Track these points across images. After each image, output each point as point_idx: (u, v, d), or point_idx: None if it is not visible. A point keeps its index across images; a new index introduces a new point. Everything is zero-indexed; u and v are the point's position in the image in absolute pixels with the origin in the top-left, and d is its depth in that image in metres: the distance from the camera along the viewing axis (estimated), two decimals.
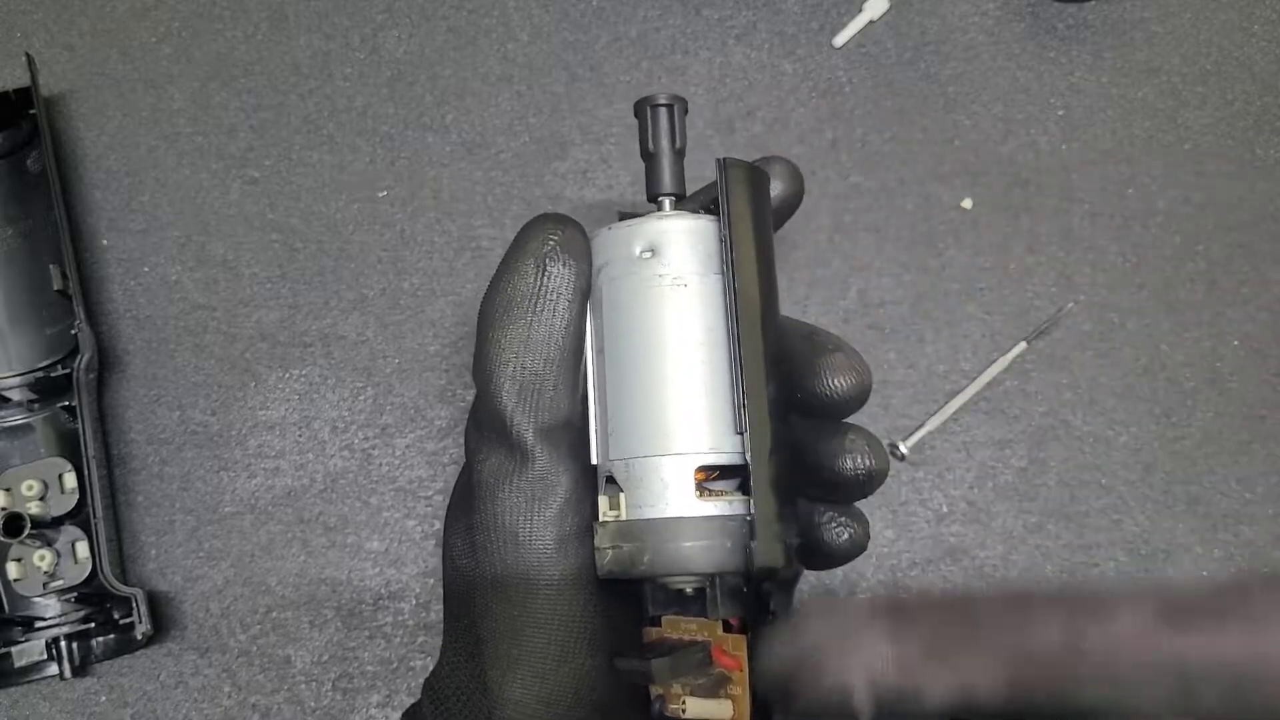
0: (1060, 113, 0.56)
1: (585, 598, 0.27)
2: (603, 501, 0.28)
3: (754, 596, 0.28)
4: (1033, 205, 0.54)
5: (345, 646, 0.48)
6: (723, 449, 0.27)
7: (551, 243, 0.28)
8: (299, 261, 0.54)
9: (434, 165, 0.55)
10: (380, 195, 0.55)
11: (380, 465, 0.51)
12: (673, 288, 0.27)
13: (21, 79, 0.52)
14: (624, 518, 0.27)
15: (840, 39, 0.57)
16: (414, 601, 0.49)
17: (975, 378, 0.51)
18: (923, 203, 0.54)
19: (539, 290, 0.27)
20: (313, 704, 0.47)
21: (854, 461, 0.29)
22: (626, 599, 0.29)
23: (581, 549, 0.27)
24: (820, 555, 0.30)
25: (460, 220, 0.54)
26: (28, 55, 0.53)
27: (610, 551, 0.27)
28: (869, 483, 0.29)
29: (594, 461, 0.28)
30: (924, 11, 0.57)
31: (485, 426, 0.28)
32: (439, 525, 0.50)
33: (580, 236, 0.28)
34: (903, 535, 0.49)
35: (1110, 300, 0.53)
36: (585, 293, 0.28)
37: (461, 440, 0.50)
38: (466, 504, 0.29)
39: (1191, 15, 0.58)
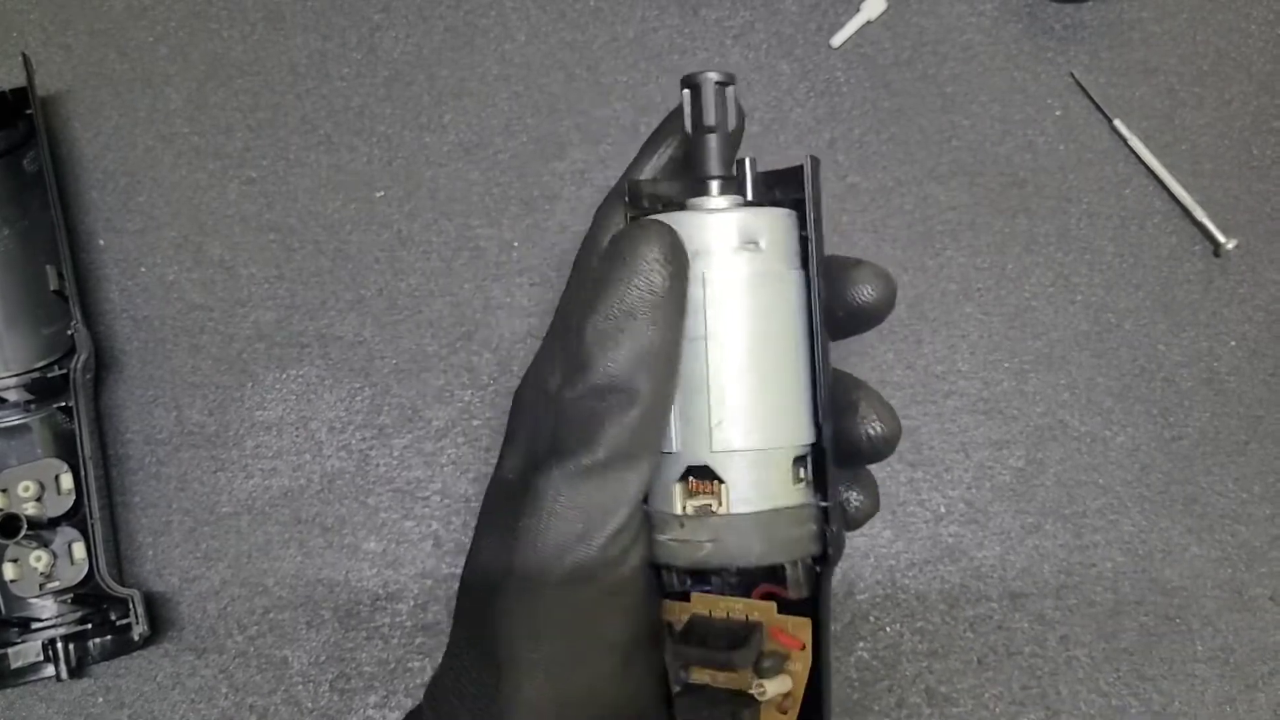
0: (1058, 113, 0.56)
1: (610, 600, 0.27)
2: (677, 489, 0.27)
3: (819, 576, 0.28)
4: (1030, 205, 0.54)
5: (342, 647, 0.48)
6: (807, 439, 0.28)
7: (671, 266, 0.26)
8: (296, 262, 0.53)
9: (431, 165, 0.55)
10: (378, 195, 0.54)
11: (378, 466, 0.51)
12: (779, 282, 0.27)
13: (18, 79, 0.52)
14: (726, 511, 0.27)
15: (838, 39, 0.57)
16: (411, 602, 0.49)
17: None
18: (920, 203, 0.54)
19: (660, 303, 0.26)
20: (310, 705, 0.47)
21: (868, 430, 0.29)
22: (644, 592, 0.29)
23: (630, 552, 0.27)
24: None
25: (458, 220, 0.54)
26: (24, 55, 0.52)
27: (708, 545, 0.26)
28: (883, 449, 0.30)
29: (673, 449, 0.27)
30: (921, 12, 0.57)
31: (570, 430, 0.27)
32: (436, 526, 0.50)
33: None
34: (901, 535, 0.49)
35: (1107, 300, 0.53)
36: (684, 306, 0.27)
37: (459, 441, 0.51)
38: (512, 506, 0.28)
39: (1189, 15, 0.58)
